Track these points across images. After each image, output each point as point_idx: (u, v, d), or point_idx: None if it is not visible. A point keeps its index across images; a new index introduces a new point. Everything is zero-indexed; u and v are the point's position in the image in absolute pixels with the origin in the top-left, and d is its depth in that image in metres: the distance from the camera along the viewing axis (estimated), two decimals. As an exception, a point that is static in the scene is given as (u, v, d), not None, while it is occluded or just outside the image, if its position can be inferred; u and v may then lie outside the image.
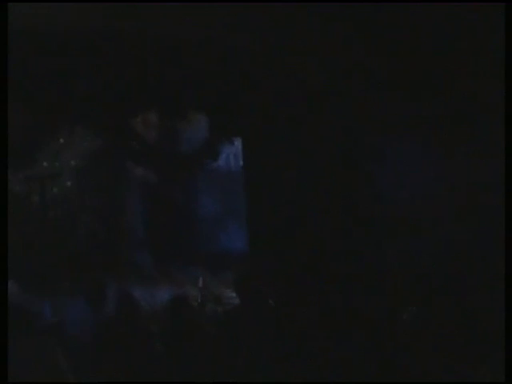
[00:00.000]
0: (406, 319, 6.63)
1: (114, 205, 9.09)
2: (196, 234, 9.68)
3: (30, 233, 8.38)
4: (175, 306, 7.32)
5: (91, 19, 6.18)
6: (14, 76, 6.46)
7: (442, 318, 6.14)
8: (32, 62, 6.80)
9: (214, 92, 7.74)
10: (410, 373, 5.96)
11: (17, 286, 7.83)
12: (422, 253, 6.97)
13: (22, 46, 6.44)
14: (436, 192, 7.09)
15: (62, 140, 8.47)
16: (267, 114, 7.73)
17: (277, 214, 7.88)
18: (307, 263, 7.47)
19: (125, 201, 9.13)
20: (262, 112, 7.76)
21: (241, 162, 8.95)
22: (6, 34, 4.68)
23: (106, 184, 8.86)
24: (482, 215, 6.34)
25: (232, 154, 9.54)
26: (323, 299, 7.01)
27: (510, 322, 4.88)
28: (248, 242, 8.68)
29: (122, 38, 6.97)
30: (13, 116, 6.74)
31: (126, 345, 6.73)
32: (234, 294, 8.20)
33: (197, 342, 6.90)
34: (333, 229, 7.52)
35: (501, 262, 4.93)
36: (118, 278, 8.58)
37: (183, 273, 8.95)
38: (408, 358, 6.18)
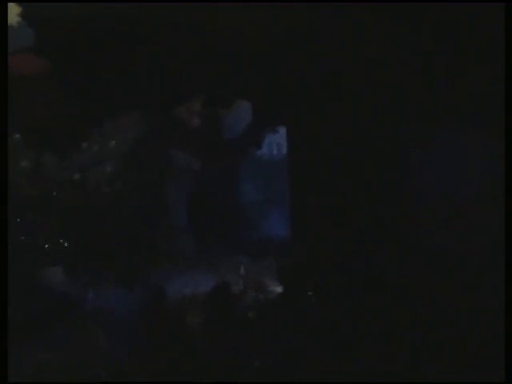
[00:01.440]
0: (447, 310, 6.62)
1: (157, 192, 9.14)
2: (238, 222, 9.70)
3: (74, 220, 8.46)
4: (217, 293, 7.36)
5: (133, 8, 6.21)
6: (63, 65, 6.56)
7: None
8: (79, 50, 6.85)
9: (259, 80, 7.72)
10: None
11: (62, 274, 7.94)
12: (466, 244, 6.92)
13: (69, 35, 6.50)
14: (482, 184, 7.02)
15: (106, 128, 8.54)
16: (312, 103, 7.70)
17: (319, 203, 7.85)
18: (348, 253, 7.44)
19: (168, 188, 9.17)
20: (306, 101, 7.72)
21: (284, 151, 8.95)
22: (6, 33, 4.72)
23: (149, 171, 8.88)
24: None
25: (275, 142, 9.54)
26: (364, 290, 6.99)
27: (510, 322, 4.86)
28: (290, 231, 8.69)
29: (167, 26, 6.99)
30: (61, 105, 6.84)
31: (165, 331, 6.80)
32: (275, 282, 8.23)
33: (237, 329, 6.94)
34: (376, 220, 7.48)
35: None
36: (159, 265, 8.64)
37: (225, 260, 8.96)
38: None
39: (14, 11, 4.80)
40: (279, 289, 8.07)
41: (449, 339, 6.37)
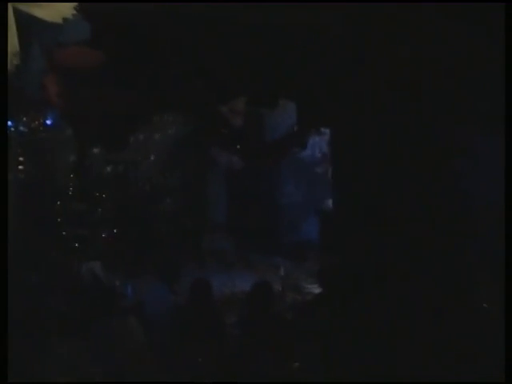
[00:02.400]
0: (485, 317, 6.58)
1: (198, 190, 9.16)
2: (278, 223, 9.67)
3: (115, 215, 8.53)
4: (256, 293, 7.35)
5: (183, 5, 6.24)
6: (117, 59, 6.60)
7: None
8: (132, 44, 6.89)
9: (305, 80, 7.70)
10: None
11: (102, 268, 7.99)
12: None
13: (124, 29, 6.55)
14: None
15: (151, 126, 8.60)
16: (358, 106, 7.66)
17: (361, 206, 7.81)
18: (390, 259, 7.39)
19: (209, 186, 9.19)
20: (352, 104, 7.68)
21: (327, 153, 8.92)
22: (6, 33, 4.74)
23: (191, 169, 8.93)
24: None
25: (318, 144, 9.51)
26: (403, 295, 6.95)
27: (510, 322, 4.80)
28: (330, 234, 8.66)
29: (212, 24, 7.00)
30: (112, 99, 6.88)
31: (202, 329, 6.81)
32: (314, 285, 8.22)
33: (275, 330, 6.93)
34: (419, 226, 7.42)
35: None
36: (198, 263, 8.67)
37: (264, 261, 8.97)
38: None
39: (69, 5, 4.84)
40: (317, 290, 8.07)
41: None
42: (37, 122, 7.27)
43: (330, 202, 8.49)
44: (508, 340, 4.76)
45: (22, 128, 7.20)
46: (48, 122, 7.46)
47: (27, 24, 4.95)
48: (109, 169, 8.57)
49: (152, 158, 8.91)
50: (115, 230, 8.51)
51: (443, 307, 6.64)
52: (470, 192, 7.27)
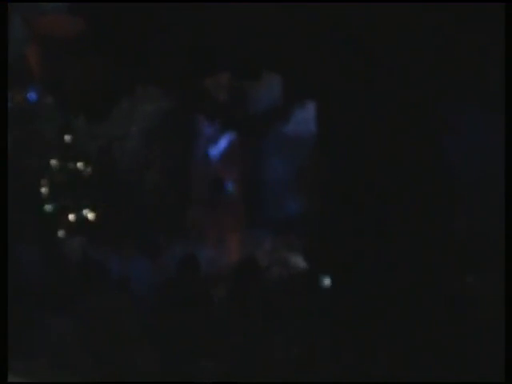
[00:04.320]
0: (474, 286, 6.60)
1: (182, 165, 9.11)
2: (264, 197, 9.64)
3: (98, 187, 8.48)
4: (242, 268, 7.36)
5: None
6: (98, 28, 6.51)
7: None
8: (114, 13, 6.81)
9: (290, 53, 7.63)
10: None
11: (86, 241, 7.96)
12: (493, 224, 6.86)
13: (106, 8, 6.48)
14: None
15: (134, 98, 8.52)
16: (344, 80, 7.61)
17: (346, 180, 7.79)
18: (375, 233, 7.39)
19: (193, 161, 9.13)
20: (338, 77, 7.64)
21: (312, 128, 8.85)
22: (6, 33, 4.67)
23: (175, 144, 8.85)
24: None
25: (303, 118, 9.45)
26: (388, 270, 6.97)
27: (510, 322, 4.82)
28: (316, 208, 8.63)
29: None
30: (93, 69, 6.80)
31: (188, 305, 6.82)
32: (300, 259, 8.22)
33: (261, 305, 6.95)
34: (402, 201, 7.42)
35: None
36: (183, 238, 8.64)
37: (250, 235, 8.94)
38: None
39: None
40: (303, 265, 8.07)
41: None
42: (21, 96, 7.21)
43: (313, 179, 8.46)
44: (508, 340, 4.77)
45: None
46: (32, 95, 7.40)
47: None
48: (92, 143, 8.51)
49: (136, 132, 8.84)
50: (99, 205, 8.47)
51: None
52: (455, 169, 7.28)
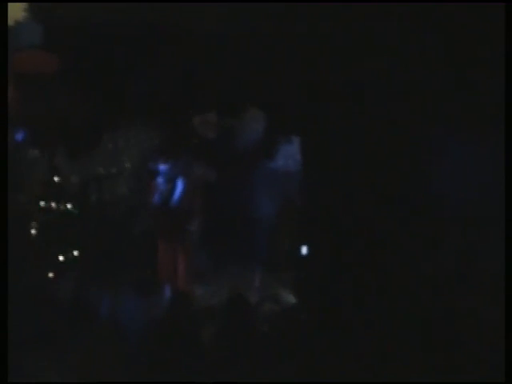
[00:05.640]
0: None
1: (172, 203, 9.12)
2: (253, 234, 9.65)
3: (88, 227, 8.49)
4: (232, 305, 7.35)
5: (148, 14, 6.24)
6: (74, 63, 6.55)
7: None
8: (95, 59, 6.87)
9: (273, 90, 7.73)
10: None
11: (77, 282, 7.95)
12: (482, 251, 6.90)
13: (80, 32, 6.52)
14: (497, 190, 6.98)
15: (120, 139, 8.57)
16: (326, 113, 7.69)
17: (334, 213, 7.82)
18: (365, 264, 7.41)
19: (183, 199, 9.15)
20: (320, 111, 7.71)
21: (299, 162, 8.91)
22: (6, 33, 4.72)
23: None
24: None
25: (291, 153, 9.48)
26: (380, 300, 6.97)
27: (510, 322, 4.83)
28: (305, 243, 8.65)
29: (181, 35, 7.02)
30: (73, 109, 6.84)
31: (179, 342, 6.80)
32: (291, 294, 8.21)
33: (252, 341, 6.92)
34: (392, 229, 7.45)
35: None
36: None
37: (240, 272, 8.94)
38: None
39: (19, 6, 4.79)
40: (294, 300, 8.06)
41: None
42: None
43: (302, 212, 8.49)
44: (508, 340, 4.78)
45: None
46: (19, 135, 7.41)
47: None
48: (78, 182, 8.53)
49: (123, 172, 8.87)
50: (89, 246, 8.48)
51: (431, 310, 6.68)
52: (441, 193, 7.31)
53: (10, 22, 4.74)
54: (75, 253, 8.30)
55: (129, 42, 6.96)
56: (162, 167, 8.63)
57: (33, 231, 8.08)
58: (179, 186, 8.85)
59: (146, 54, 7.15)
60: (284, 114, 8.04)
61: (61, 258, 8.11)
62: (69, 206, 8.28)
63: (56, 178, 8.24)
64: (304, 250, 8.32)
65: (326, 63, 7.35)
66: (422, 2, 6.73)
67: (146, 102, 7.64)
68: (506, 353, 4.89)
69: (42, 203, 8.12)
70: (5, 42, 4.81)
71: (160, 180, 8.67)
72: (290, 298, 8.17)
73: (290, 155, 9.29)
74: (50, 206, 8.18)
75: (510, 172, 5.44)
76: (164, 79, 7.66)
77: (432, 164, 7.38)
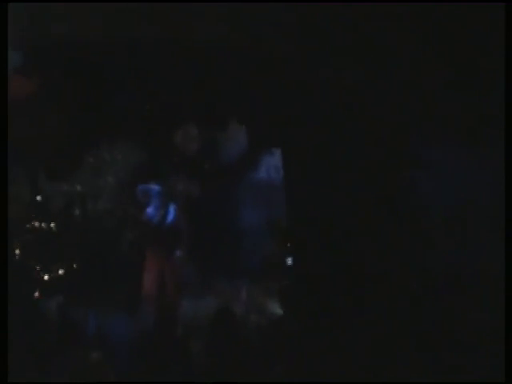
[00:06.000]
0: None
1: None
2: (238, 246, 9.67)
3: (73, 245, 8.48)
4: (219, 318, 7.36)
5: (126, 29, 6.24)
6: (55, 88, 6.56)
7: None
8: (72, 75, 6.87)
9: (253, 103, 7.74)
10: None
11: (63, 299, 7.93)
12: (465, 260, 6.92)
13: (64, 55, 6.53)
14: (481, 200, 7.02)
15: (102, 156, 8.57)
16: (307, 125, 7.71)
17: (320, 223, 7.84)
18: (350, 274, 7.42)
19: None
20: (301, 122, 7.74)
21: (282, 173, 8.94)
22: (6, 33, 4.73)
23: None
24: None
25: (273, 165, 9.52)
26: (366, 310, 6.98)
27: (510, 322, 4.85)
28: (291, 254, 8.67)
29: (160, 49, 7.03)
30: (51, 127, 6.84)
31: (167, 357, 6.81)
32: (277, 305, 8.22)
33: (240, 352, 6.93)
34: (376, 239, 7.47)
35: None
36: (161, 290, 8.62)
37: (227, 285, 8.94)
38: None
39: None
40: (281, 311, 8.08)
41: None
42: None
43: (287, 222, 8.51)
44: (508, 340, 4.80)
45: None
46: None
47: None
48: (62, 201, 8.52)
49: (107, 189, 8.87)
50: (74, 264, 8.46)
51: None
52: (425, 204, 7.34)
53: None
54: (60, 271, 8.30)
55: (109, 59, 6.97)
56: (148, 186, 8.63)
57: (17, 251, 8.08)
58: (171, 211, 8.88)
59: (126, 70, 7.16)
60: (265, 126, 8.06)
61: (46, 277, 8.10)
62: (52, 225, 8.29)
63: (39, 198, 8.25)
64: (289, 260, 8.33)
65: (306, 76, 7.39)
66: (418, 2, 6.70)
67: (127, 117, 7.65)
68: (506, 353, 4.90)
69: (26, 222, 8.13)
70: (5, 42, 4.81)
71: (147, 198, 8.67)
72: (277, 309, 8.18)
73: (272, 166, 9.36)
74: (34, 225, 8.18)
75: (509, 172, 5.46)
76: (145, 94, 7.67)
77: (419, 171, 7.43)
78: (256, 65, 7.45)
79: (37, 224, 8.28)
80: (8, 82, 4.91)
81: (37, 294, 7.99)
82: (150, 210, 8.63)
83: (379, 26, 6.93)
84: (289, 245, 8.53)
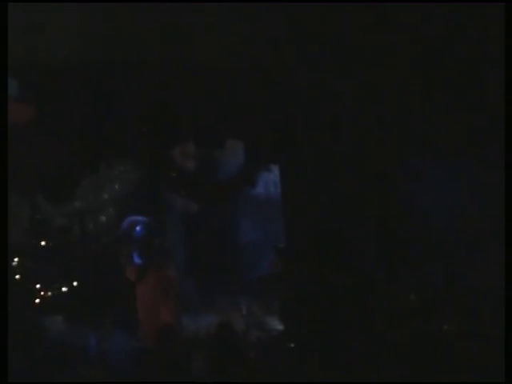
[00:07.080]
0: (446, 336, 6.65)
1: (156, 236, 9.13)
2: (238, 262, 9.69)
3: (73, 266, 8.49)
4: (220, 334, 7.36)
5: (122, 50, 6.27)
6: (51, 109, 6.58)
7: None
8: (68, 94, 6.90)
9: (251, 120, 7.78)
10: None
11: (63, 322, 7.93)
12: (461, 272, 6.96)
13: (60, 77, 6.55)
14: (476, 212, 7.06)
15: (99, 174, 8.58)
16: (304, 141, 7.75)
17: (317, 239, 7.86)
18: (348, 287, 7.45)
19: (166, 231, 9.18)
20: (299, 139, 7.78)
21: (279, 189, 8.98)
22: (6, 34, 4.75)
23: (146, 216, 8.89)
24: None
25: (272, 181, 9.54)
26: (367, 325, 7.00)
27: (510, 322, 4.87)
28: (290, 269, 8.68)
29: (158, 68, 7.07)
30: (49, 150, 6.86)
31: (168, 373, 6.80)
32: (278, 321, 8.22)
33: (240, 368, 6.92)
34: (373, 252, 7.50)
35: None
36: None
37: (227, 300, 8.95)
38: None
39: None
40: (281, 327, 8.08)
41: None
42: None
43: (285, 237, 8.53)
44: (508, 340, 4.80)
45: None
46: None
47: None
48: (61, 221, 8.54)
49: (104, 207, 8.88)
50: (74, 283, 8.47)
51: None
52: (420, 214, 7.37)
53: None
54: (64, 289, 8.31)
55: (107, 78, 7.00)
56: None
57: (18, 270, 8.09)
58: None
59: (124, 89, 7.20)
60: (262, 142, 8.10)
61: (49, 293, 8.11)
62: (51, 244, 8.30)
63: (38, 219, 8.27)
64: (288, 275, 8.34)
65: (303, 93, 7.43)
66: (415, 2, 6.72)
67: (126, 135, 7.68)
68: (506, 353, 4.90)
69: (26, 243, 8.14)
70: (5, 42, 4.83)
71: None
72: (277, 325, 8.19)
73: (270, 182, 9.39)
74: (34, 244, 8.21)
75: (509, 173, 5.48)
76: (142, 112, 7.70)
77: (412, 185, 7.46)
78: (253, 83, 7.49)
79: (36, 243, 8.30)
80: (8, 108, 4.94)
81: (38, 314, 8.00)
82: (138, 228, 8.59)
83: (375, 37, 6.98)
84: (288, 260, 8.54)
